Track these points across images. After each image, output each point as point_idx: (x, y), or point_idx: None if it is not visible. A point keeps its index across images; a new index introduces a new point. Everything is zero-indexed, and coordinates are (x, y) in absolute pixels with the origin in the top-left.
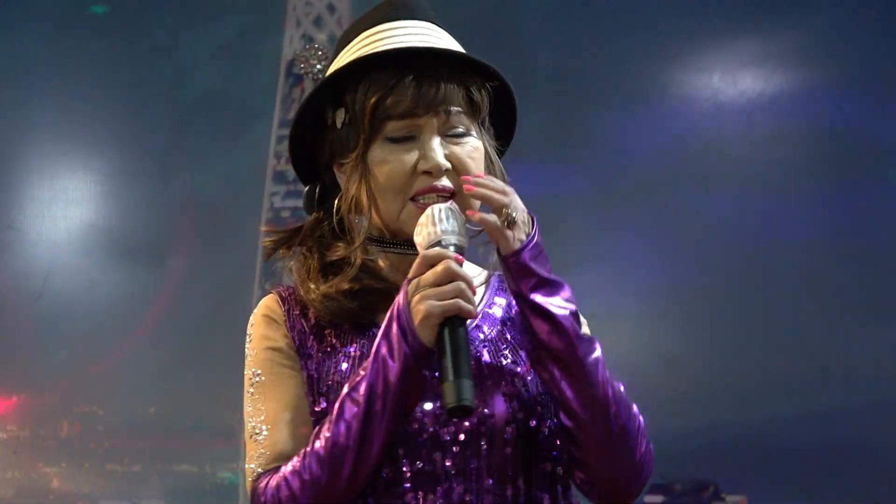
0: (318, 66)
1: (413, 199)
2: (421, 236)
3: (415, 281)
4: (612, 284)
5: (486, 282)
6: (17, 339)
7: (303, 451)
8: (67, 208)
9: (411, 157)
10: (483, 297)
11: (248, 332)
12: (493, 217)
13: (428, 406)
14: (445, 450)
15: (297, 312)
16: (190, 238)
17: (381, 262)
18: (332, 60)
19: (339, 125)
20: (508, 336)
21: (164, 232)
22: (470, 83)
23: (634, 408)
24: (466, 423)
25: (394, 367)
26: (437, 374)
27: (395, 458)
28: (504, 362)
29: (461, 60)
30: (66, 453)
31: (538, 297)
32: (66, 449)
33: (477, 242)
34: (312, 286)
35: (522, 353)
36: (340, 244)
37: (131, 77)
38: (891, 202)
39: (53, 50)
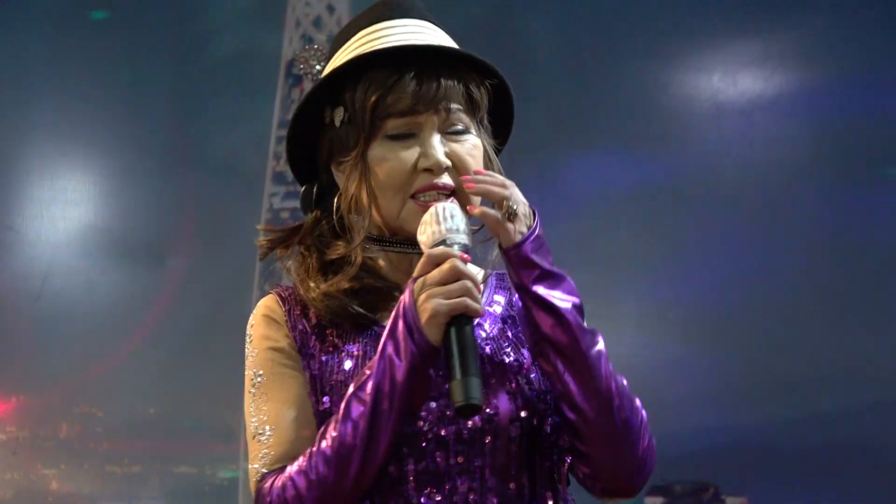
0: (318, 67)
1: (413, 196)
2: (425, 235)
3: (420, 279)
4: (611, 286)
5: (485, 280)
6: (16, 340)
7: (309, 450)
8: (66, 209)
9: (411, 154)
10: (483, 295)
11: (248, 333)
12: (493, 210)
13: (432, 405)
14: (449, 448)
15: (298, 312)
16: (190, 239)
17: (380, 261)
18: (328, 60)
19: (337, 124)
20: (510, 334)
21: (164, 233)
22: (469, 81)
23: (637, 402)
24: (470, 422)
25: (400, 366)
26: (441, 372)
27: (400, 456)
28: (506, 360)
29: (460, 58)
30: (65, 454)
31: (540, 290)
32: (66, 450)
33: (474, 241)
34: (312, 285)
35: (524, 351)
36: (340, 243)
37: (131, 77)
38: (892, 203)
39: (53, 50)
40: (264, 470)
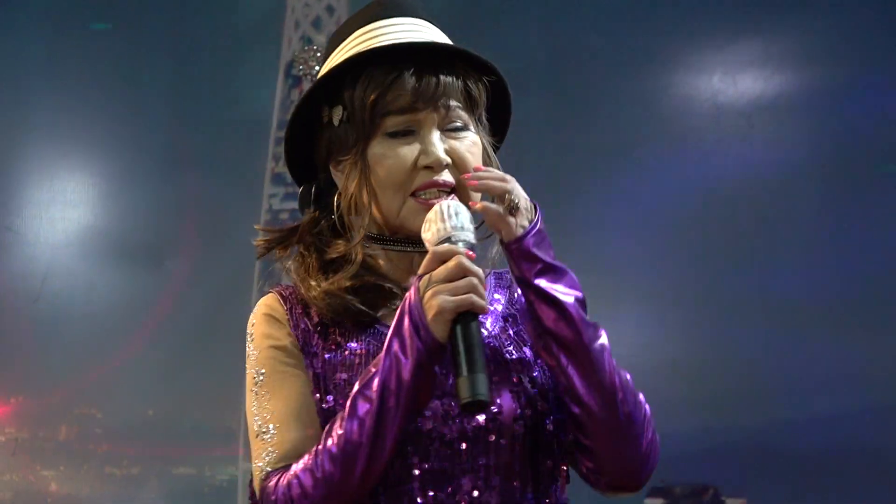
0: (317, 68)
1: (414, 194)
2: (430, 232)
3: (426, 276)
4: (610, 287)
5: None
6: (15, 342)
7: (314, 448)
8: (66, 210)
9: (411, 152)
10: None
11: (248, 332)
12: (495, 205)
13: (436, 403)
14: (454, 447)
15: (300, 311)
16: (189, 240)
17: (380, 260)
18: (324, 60)
19: (336, 123)
20: (511, 332)
21: (163, 234)
22: (467, 77)
23: (641, 396)
24: (475, 421)
25: (407, 363)
26: (445, 371)
27: (405, 455)
28: (509, 358)
29: (458, 55)
30: (64, 456)
31: (543, 283)
32: (65, 451)
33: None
34: (314, 283)
35: (526, 349)
36: (340, 242)
37: (131, 78)
38: (892, 203)
39: (52, 51)
40: (268, 468)
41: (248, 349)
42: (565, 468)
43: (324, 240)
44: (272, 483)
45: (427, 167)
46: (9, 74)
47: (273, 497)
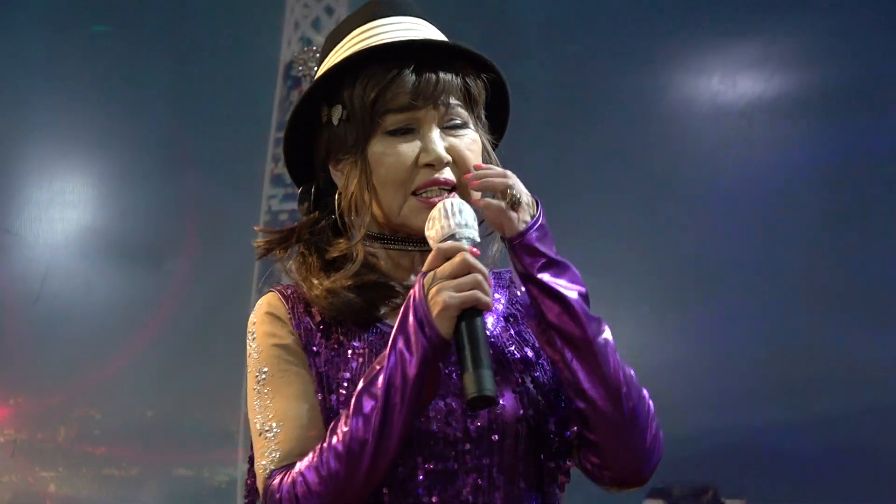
0: (316, 69)
1: (415, 192)
2: (434, 230)
3: (431, 273)
4: (610, 287)
5: None
6: (15, 343)
7: (319, 446)
8: (65, 211)
9: (412, 150)
10: None
11: (250, 331)
12: (496, 201)
13: (440, 403)
14: (458, 447)
15: (302, 310)
16: (188, 241)
17: (381, 259)
18: (322, 60)
19: (335, 122)
20: (512, 332)
21: (162, 235)
22: (466, 75)
23: (644, 392)
24: (479, 421)
25: (412, 360)
26: (448, 369)
27: (409, 455)
28: (511, 358)
29: (457, 53)
30: (63, 457)
31: (546, 277)
32: (64, 453)
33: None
34: (315, 282)
35: (527, 349)
36: (341, 241)
37: (130, 79)
38: (891, 203)
39: (52, 51)
40: (272, 467)
41: (249, 348)
42: (568, 467)
43: (324, 239)
44: (276, 481)
45: (428, 165)
46: (9, 74)
47: (277, 496)
